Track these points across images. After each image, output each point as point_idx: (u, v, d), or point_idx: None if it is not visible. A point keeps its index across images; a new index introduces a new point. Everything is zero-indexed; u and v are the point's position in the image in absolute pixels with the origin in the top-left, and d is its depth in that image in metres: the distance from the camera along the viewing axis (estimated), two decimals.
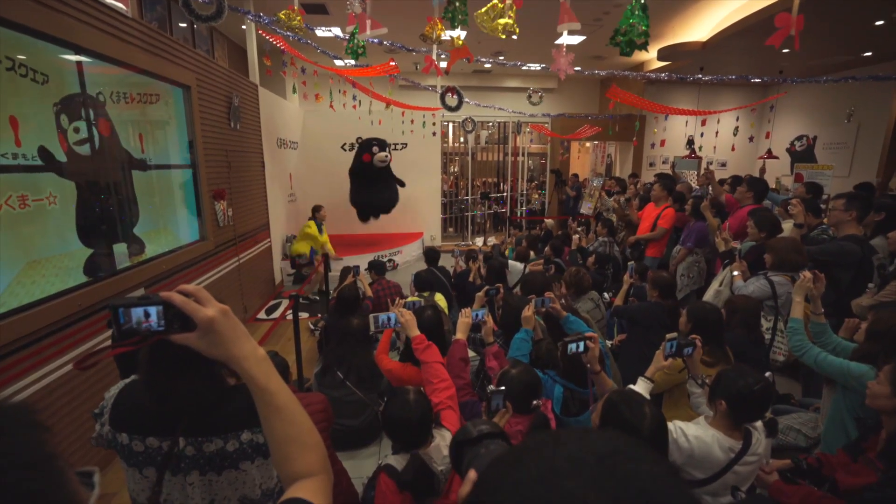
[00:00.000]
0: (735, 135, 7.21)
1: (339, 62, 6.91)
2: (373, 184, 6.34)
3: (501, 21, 2.76)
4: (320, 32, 5.38)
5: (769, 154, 7.70)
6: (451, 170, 10.43)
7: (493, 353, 2.22)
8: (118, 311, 0.68)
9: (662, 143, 8.47)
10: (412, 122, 7.48)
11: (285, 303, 4.48)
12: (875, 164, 7.00)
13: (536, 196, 10.13)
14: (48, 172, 2.31)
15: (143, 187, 3.17)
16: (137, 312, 0.69)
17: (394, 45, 4.93)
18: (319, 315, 4.93)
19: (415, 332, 2.07)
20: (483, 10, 2.79)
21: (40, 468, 0.46)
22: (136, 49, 3.01)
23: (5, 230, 2.05)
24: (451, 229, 9.94)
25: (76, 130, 2.50)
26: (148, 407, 0.96)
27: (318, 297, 5.61)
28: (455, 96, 6.40)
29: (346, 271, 4.05)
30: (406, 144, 8.04)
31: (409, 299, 3.14)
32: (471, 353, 2.46)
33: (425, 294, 3.77)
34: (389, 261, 7.02)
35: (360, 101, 6.62)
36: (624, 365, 2.77)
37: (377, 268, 4.27)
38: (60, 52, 2.41)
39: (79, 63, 2.54)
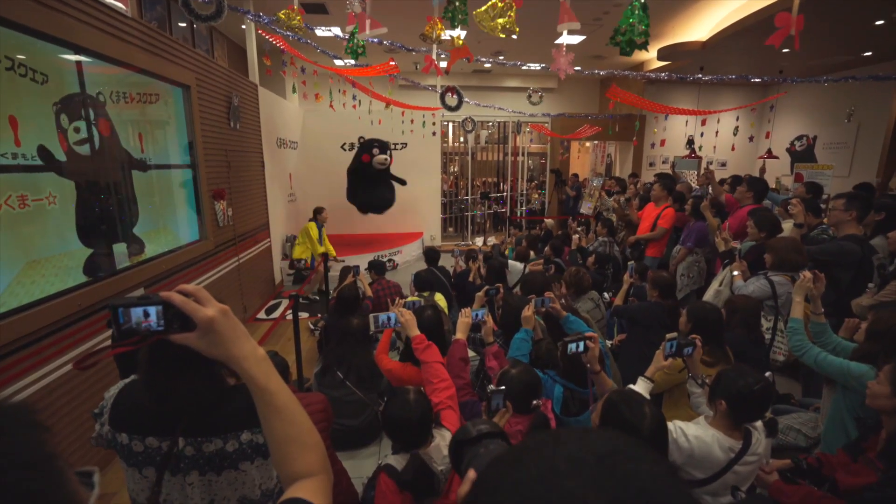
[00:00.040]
0: (735, 135, 7.21)
1: (338, 62, 6.90)
2: (369, 184, 6.33)
3: (501, 20, 2.75)
4: (320, 32, 5.37)
5: (769, 154, 7.70)
6: (451, 170, 10.42)
7: (493, 352, 2.22)
8: (118, 311, 0.68)
9: (662, 142, 8.47)
10: (412, 121, 7.48)
11: (285, 303, 4.49)
12: (875, 164, 7.00)
13: (536, 196, 10.12)
14: (48, 172, 2.31)
15: (143, 187, 3.17)
16: (137, 312, 0.69)
17: (394, 44, 4.93)
18: (319, 315, 4.93)
19: (415, 331, 2.07)
20: (482, 8, 2.79)
21: (40, 468, 0.46)
22: (135, 49, 3.01)
23: (5, 230, 2.05)
24: (450, 229, 9.94)
25: (76, 130, 2.50)
26: (147, 407, 0.96)
27: (317, 297, 5.62)
28: (455, 96, 6.39)
29: (345, 271, 4.05)
30: (406, 144, 8.05)
31: (409, 299, 3.14)
32: (471, 353, 2.46)
33: (425, 294, 3.77)
34: (389, 261, 7.02)
35: (359, 101, 6.62)
36: (624, 365, 2.77)
37: (377, 268, 4.27)
38: (60, 52, 2.41)
39: (78, 63, 2.53)
